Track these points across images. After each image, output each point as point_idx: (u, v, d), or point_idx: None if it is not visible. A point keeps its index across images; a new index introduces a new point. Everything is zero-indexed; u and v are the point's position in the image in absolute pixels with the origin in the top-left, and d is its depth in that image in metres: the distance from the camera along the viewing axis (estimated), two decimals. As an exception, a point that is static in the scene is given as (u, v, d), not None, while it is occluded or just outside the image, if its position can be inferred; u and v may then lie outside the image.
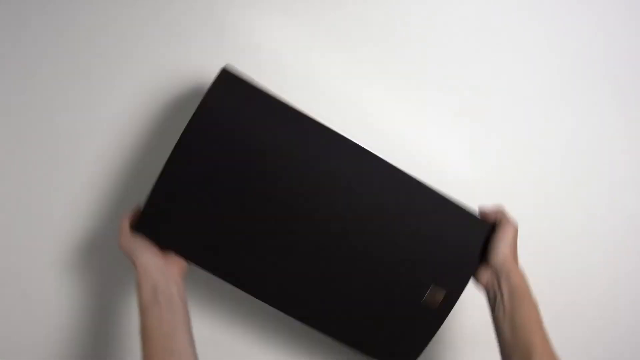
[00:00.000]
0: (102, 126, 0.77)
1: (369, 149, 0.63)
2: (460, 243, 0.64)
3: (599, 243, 0.78)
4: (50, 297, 0.78)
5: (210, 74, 0.64)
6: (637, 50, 0.77)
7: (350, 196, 0.63)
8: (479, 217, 0.65)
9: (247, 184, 0.62)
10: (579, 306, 0.78)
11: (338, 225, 0.63)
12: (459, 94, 0.77)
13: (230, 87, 0.62)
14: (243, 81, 0.62)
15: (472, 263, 0.64)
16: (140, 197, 0.64)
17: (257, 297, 0.64)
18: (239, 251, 0.63)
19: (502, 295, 0.60)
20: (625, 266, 0.78)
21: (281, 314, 0.65)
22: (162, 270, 0.61)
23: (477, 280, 0.64)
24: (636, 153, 0.78)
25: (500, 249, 0.61)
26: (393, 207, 0.64)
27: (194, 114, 0.60)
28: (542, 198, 0.78)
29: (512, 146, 0.77)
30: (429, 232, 0.64)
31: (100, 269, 0.78)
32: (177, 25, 0.76)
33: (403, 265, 0.64)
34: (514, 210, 0.77)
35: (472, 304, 0.78)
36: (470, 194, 0.77)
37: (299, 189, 0.62)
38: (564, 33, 0.77)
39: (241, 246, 0.63)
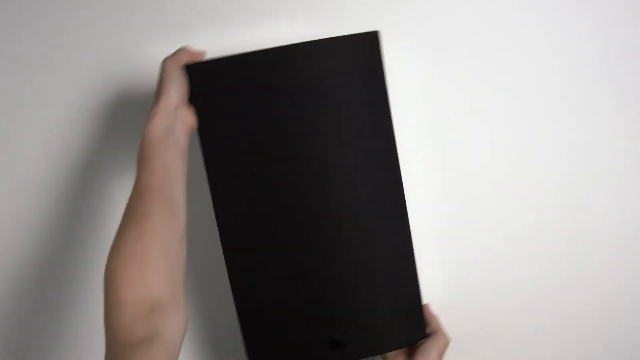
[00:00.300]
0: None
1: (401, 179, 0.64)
2: (394, 326, 0.64)
3: (599, 243, 0.78)
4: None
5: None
6: (637, 51, 0.77)
7: (349, 191, 0.63)
8: (424, 318, 0.66)
9: (292, 132, 0.62)
10: (580, 306, 0.78)
11: (317, 209, 0.63)
12: (459, 94, 0.77)
13: (361, 47, 0.62)
14: (375, 52, 0.63)
15: (388, 348, 0.65)
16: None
17: (215, 205, 0.64)
18: (238, 166, 0.63)
19: None
20: (626, 266, 0.78)
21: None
22: (181, 114, 0.59)
23: None
24: (636, 153, 0.78)
25: (431, 356, 0.62)
26: (373, 251, 0.64)
27: (320, 41, 0.61)
28: (542, 198, 0.78)
29: (512, 146, 0.77)
30: (377, 291, 0.64)
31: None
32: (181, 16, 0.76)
33: (339, 294, 0.63)
34: (514, 211, 0.77)
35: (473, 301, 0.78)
36: (470, 195, 0.78)
37: (319, 168, 0.63)
38: (564, 33, 0.77)
39: (243, 165, 0.62)
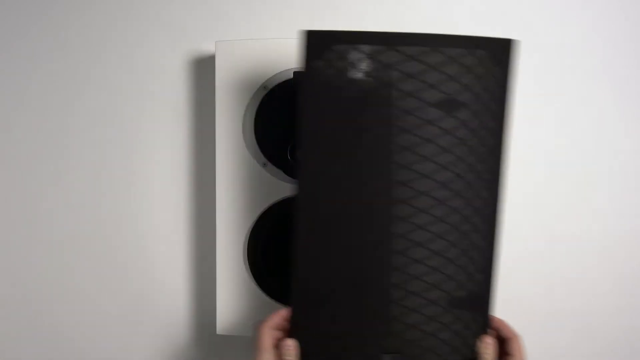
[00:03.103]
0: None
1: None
2: None
3: (597, 244, 0.78)
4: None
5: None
6: (637, 50, 0.77)
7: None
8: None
9: (398, 122, 0.57)
10: (577, 306, 0.78)
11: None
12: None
13: (494, 54, 0.57)
14: (506, 61, 0.58)
15: None
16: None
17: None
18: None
19: None
20: (626, 266, 0.78)
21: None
22: None
23: None
24: (636, 153, 0.78)
25: None
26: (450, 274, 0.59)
27: (450, 37, 0.57)
28: (543, 199, 0.78)
29: (513, 147, 0.77)
30: (441, 322, 0.59)
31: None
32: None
33: (401, 312, 0.59)
34: (515, 211, 0.77)
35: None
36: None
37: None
38: (564, 33, 0.77)
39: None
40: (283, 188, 0.69)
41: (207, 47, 0.77)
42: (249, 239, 0.69)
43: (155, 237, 0.79)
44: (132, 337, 0.80)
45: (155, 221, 0.79)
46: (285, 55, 0.68)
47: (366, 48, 0.56)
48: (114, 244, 0.79)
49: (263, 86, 0.68)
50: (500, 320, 0.62)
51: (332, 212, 0.59)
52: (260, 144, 0.69)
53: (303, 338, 0.60)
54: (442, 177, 0.57)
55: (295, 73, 0.67)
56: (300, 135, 0.58)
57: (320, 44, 0.57)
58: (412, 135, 0.57)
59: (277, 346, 0.60)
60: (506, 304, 0.77)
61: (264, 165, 0.69)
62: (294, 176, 0.68)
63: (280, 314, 0.60)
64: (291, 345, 0.59)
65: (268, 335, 0.59)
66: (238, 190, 0.69)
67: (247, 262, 0.69)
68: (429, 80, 0.56)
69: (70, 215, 0.79)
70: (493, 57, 0.57)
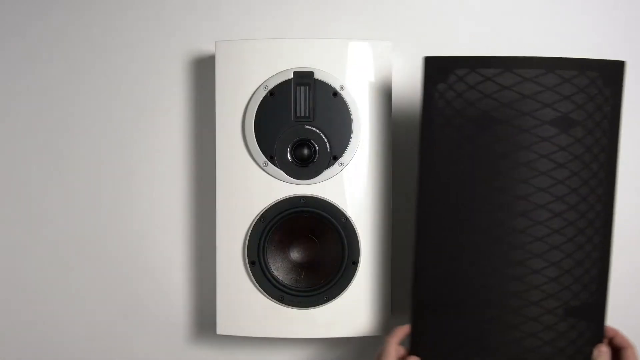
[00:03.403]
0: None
1: None
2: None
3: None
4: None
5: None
6: (637, 50, 0.77)
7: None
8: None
9: (516, 142, 0.60)
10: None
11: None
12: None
13: (604, 76, 0.60)
14: (618, 84, 0.61)
15: None
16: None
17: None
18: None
19: None
20: (626, 266, 0.78)
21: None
22: None
23: None
24: (636, 153, 0.78)
25: None
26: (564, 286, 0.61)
27: (565, 60, 0.60)
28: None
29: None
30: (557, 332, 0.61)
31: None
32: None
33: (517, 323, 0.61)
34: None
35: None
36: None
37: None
38: (562, 32, 0.77)
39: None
40: (283, 188, 0.69)
41: (207, 47, 0.77)
42: (249, 239, 0.69)
43: (155, 237, 0.79)
44: (132, 337, 0.80)
45: (155, 221, 0.79)
46: (285, 55, 0.68)
47: (485, 71, 0.59)
48: (114, 244, 0.79)
49: (263, 86, 0.68)
50: (615, 330, 0.63)
51: (452, 227, 0.61)
52: (260, 144, 0.69)
53: (424, 352, 0.62)
54: (558, 191, 0.59)
55: (295, 73, 0.68)
56: (423, 153, 0.61)
57: (442, 69, 0.60)
58: (530, 152, 0.59)
59: None
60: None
61: (264, 165, 0.69)
62: (294, 176, 0.69)
63: (405, 329, 0.63)
64: None
65: (394, 349, 0.62)
66: (238, 190, 0.69)
67: (247, 262, 0.69)
68: (545, 100, 0.59)
69: (70, 215, 0.79)
70: (604, 77, 0.60)
